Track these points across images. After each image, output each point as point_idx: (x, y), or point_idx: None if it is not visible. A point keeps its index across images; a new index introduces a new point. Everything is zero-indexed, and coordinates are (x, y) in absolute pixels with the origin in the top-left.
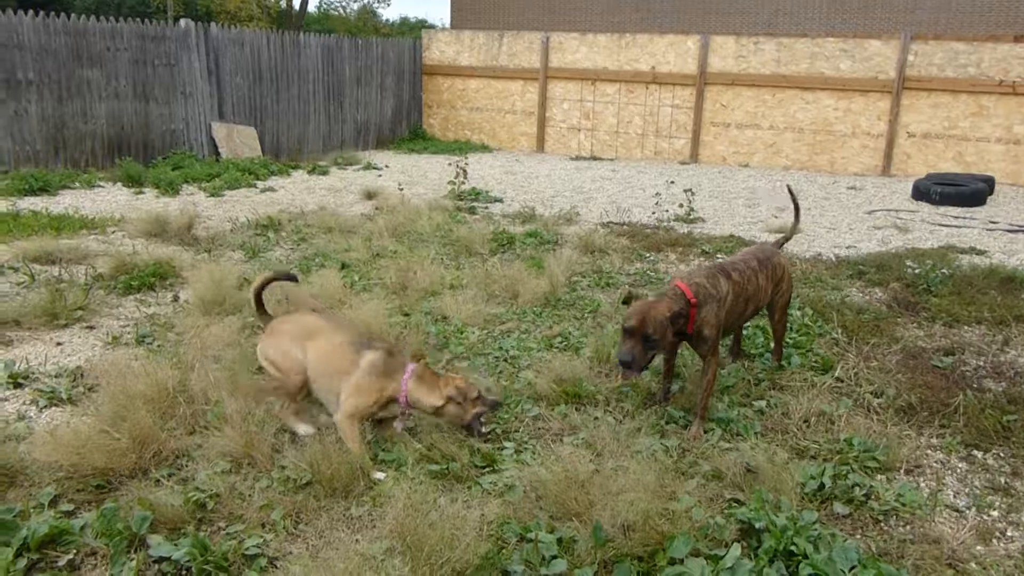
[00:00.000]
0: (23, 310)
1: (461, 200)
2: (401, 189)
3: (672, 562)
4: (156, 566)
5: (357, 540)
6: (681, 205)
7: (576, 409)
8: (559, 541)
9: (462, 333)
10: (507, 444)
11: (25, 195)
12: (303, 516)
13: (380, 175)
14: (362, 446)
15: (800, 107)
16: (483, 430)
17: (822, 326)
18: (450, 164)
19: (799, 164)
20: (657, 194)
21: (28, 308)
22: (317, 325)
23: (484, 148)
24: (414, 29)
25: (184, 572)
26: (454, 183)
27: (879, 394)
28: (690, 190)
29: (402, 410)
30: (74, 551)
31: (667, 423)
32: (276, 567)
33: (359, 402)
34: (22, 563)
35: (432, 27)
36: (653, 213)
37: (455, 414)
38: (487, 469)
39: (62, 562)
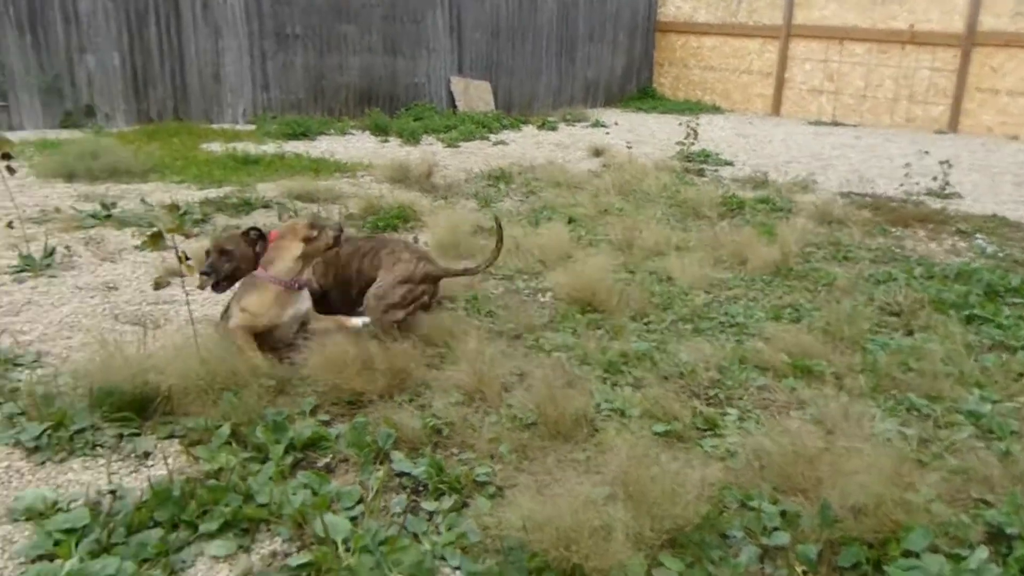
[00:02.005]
0: None
1: (689, 161)
2: (629, 147)
3: (907, 554)
4: (397, 479)
5: (580, 482)
6: (935, 178)
7: (806, 384)
8: (782, 514)
9: (687, 295)
10: (730, 410)
11: (289, 139)
12: (528, 453)
13: (607, 132)
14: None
15: None
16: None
17: None
18: (680, 124)
19: None
20: (907, 164)
21: None
22: None
23: (715, 109)
24: None
25: (421, 487)
26: (683, 143)
27: None
28: (946, 162)
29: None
30: (330, 456)
31: (908, 409)
32: (503, 495)
33: None
34: (288, 459)
35: None
36: (901, 185)
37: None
38: (709, 432)
39: (320, 464)
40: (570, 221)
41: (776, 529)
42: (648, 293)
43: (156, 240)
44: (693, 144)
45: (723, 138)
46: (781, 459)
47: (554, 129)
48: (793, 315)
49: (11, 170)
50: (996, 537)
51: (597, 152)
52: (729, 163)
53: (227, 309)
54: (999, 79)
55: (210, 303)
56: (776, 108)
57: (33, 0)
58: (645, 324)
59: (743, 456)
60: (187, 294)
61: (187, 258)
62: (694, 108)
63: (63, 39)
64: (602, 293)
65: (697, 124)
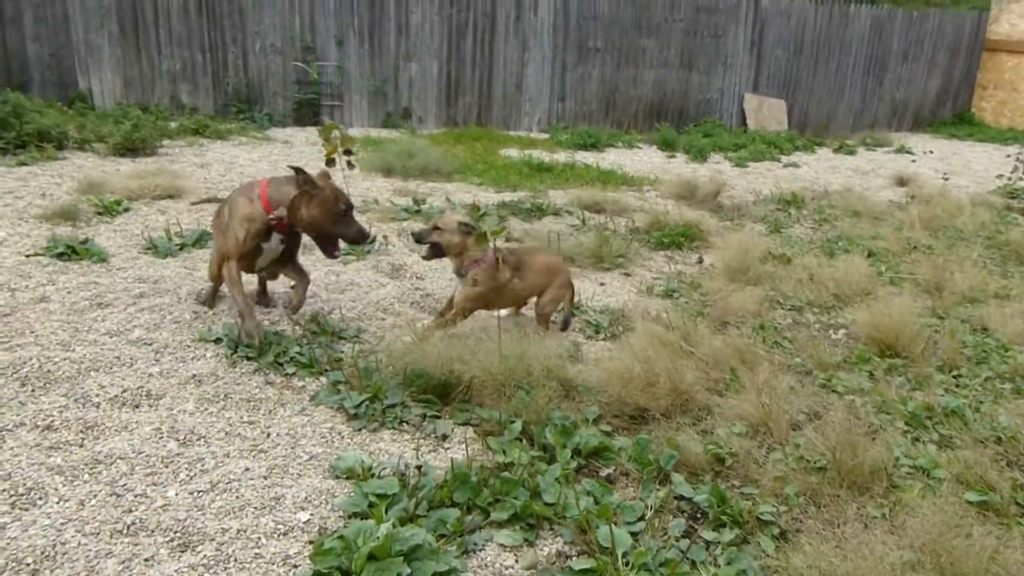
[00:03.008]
0: (577, 249)
1: (1014, 198)
2: (946, 178)
3: None
4: (676, 501)
5: (883, 541)
6: None
7: None
8: None
9: (1007, 351)
10: None
11: (579, 149)
12: (817, 499)
13: (914, 160)
14: None
15: None
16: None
17: None
18: (1008, 156)
19: None
20: None
21: (580, 248)
22: None
23: None
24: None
25: (700, 514)
26: (1008, 177)
27: None
28: None
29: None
30: (612, 467)
31: None
32: (787, 540)
33: None
34: (573, 464)
35: None
36: None
37: None
38: None
39: (603, 473)
40: (870, 255)
41: None
42: (959, 343)
43: (482, 240)
44: (1021, 179)
45: None
46: None
47: (852, 153)
48: None
49: (351, 165)
50: None
51: (901, 181)
52: None
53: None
54: None
55: None
56: None
57: (374, 13)
58: (954, 377)
59: None
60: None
61: (505, 259)
62: (1020, 138)
63: (394, 48)
64: (905, 337)
65: None
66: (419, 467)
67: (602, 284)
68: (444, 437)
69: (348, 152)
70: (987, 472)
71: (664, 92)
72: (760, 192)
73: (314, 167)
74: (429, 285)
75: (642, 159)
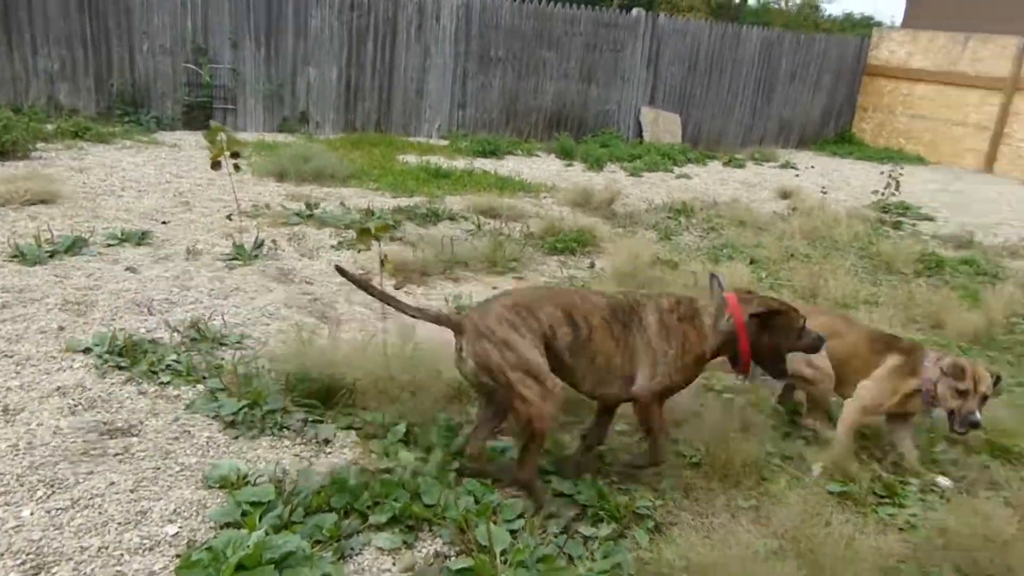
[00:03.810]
0: (471, 254)
1: (886, 212)
2: (824, 192)
3: None
4: (556, 499)
5: (749, 531)
6: None
7: (1001, 463)
8: None
9: None
10: (912, 480)
11: (478, 156)
12: (691, 493)
13: (797, 175)
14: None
15: None
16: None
17: None
18: (881, 173)
19: None
20: None
21: (474, 253)
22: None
23: (918, 160)
24: (857, 26)
25: (579, 511)
26: (881, 193)
27: None
28: None
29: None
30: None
31: None
32: (662, 532)
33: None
34: (456, 465)
35: (880, 24)
36: None
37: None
38: (887, 500)
39: None
40: (752, 262)
41: None
42: None
43: (366, 237)
44: (893, 195)
45: (925, 191)
46: (968, 541)
47: (741, 167)
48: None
49: (237, 168)
50: None
51: (785, 194)
52: (930, 218)
53: None
54: None
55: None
56: (989, 164)
57: (271, 15)
58: None
59: (924, 531)
60: (384, 292)
61: (386, 258)
62: (895, 157)
63: (291, 52)
64: None
65: (900, 174)
66: (296, 472)
67: (494, 288)
68: (326, 442)
69: (235, 155)
70: (850, 465)
71: (564, 103)
72: (653, 201)
73: (202, 172)
74: (318, 290)
75: (540, 167)
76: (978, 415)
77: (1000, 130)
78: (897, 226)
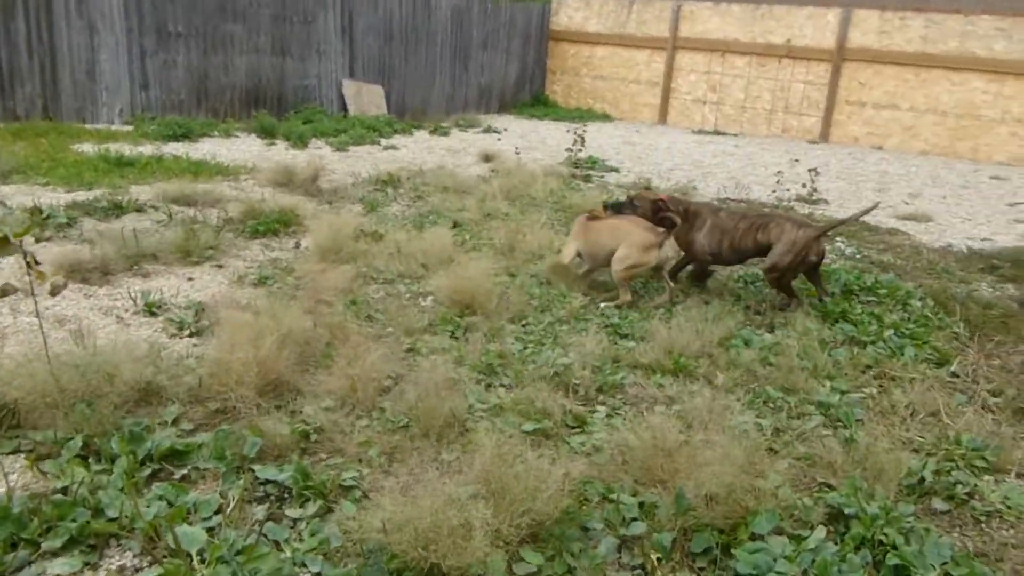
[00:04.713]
0: (161, 246)
1: (577, 167)
2: (518, 153)
3: (753, 537)
4: (262, 487)
5: (445, 482)
6: (804, 185)
7: (674, 380)
8: (640, 505)
9: (565, 298)
10: (599, 408)
11: (169, 141)
12: (397, 455)
13: (499, 139)
14: None
15: (945, 89)
16: None
17: (943, 319)
18: (569, 131)
19: (938, 149)
20: (779, 172)
21: (165, 245)
22: None
23: (605, 117)
24: None
25: (286, 494)
26: (571, 150)
27: (997, 393)
28: (815, 170)
29: None
30: (190, 466)
31: (765, 402)
32: (369, 499)
33: None
34: (146, 471)
35: None
36: (773, 191)
37: None
38: (577, 429)
39: (178, 475)
40: (455, 225)
41: (634, 520)
42: (527, 296)
43: (2, 245)
44: (581, 151)
45: (611, 145)
46: (643, 453)
47: (446, 134)
48: (666, 315)
49: None
50: (836, 517)
51: (487, 157)
52: (615, 169)
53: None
54: (866, 92)
55: (63, 313)
56: (663, 117)
57: None
58: (523, 326)
59: (607, 451)
60: (36, 302)
61: (36, 263)
62: (585, 116)
63: None
64: (481, 296)
65: (585, 131)
66: None
67: (191, 279)
68: None
69: None
70: (544, 403)
71: (259, 79)
72: (359, 174)
73: None
74: None
75: (240, 148)
76: None
77: (668, 85)
78: (587, 179)
